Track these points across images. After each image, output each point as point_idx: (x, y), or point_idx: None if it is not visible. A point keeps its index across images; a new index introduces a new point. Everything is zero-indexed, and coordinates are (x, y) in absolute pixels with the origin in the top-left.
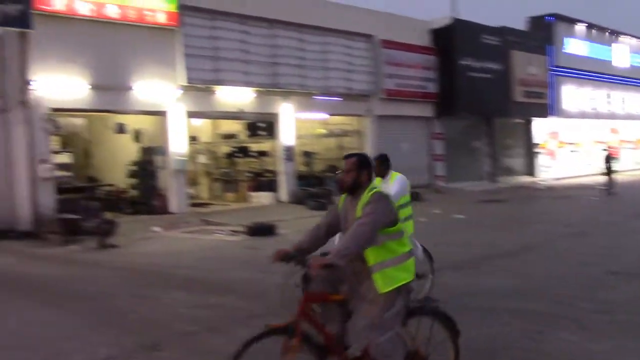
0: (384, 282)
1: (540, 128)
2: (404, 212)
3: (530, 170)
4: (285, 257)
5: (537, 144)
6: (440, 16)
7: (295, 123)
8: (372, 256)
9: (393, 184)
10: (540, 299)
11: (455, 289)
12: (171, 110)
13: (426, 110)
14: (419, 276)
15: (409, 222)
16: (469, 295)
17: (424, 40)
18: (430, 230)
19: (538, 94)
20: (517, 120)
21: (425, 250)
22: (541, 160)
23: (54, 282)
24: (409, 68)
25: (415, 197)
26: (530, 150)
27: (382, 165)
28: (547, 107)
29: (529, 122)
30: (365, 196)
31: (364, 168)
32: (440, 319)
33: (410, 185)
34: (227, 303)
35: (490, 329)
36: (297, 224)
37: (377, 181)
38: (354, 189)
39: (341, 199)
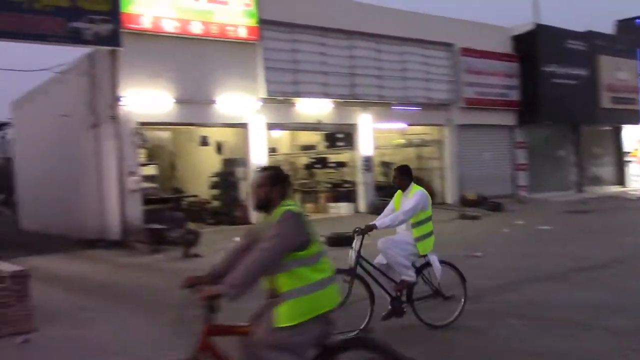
0: (289, 314)
1: (631, 135)
2: (424, 229)
3: (620, 180)
4: (195, 282)
5: (628, 152)
6: (522, 22)
7: (373, 133)
8: (281, 284)
9: (411, 198)
10: (633, 313)
11: (544, 302)
12: (252, 123)
13: (508, 119)
14: (446, 297)
15: (429, 239)
16: (558, 308)
17: (506, 47)
18: (513, 241)
19: (628, 100)
20: (606, 128)
21: (455, 268)
22: (632, 169)
23: (141, 290)
24: (490, 76)
25: (497, 207)
26: (620, 159)
27: (402, 177)
28: (639, 114)
29: (618, 130)
30: (275, 214)
31: (278, 183)
32: (380, 353)
33: (431, 200)
34: None
35: (582, 345)
36: (376, 235)
37: (397, 194)
38: (266, 206)
39: (261, 218)
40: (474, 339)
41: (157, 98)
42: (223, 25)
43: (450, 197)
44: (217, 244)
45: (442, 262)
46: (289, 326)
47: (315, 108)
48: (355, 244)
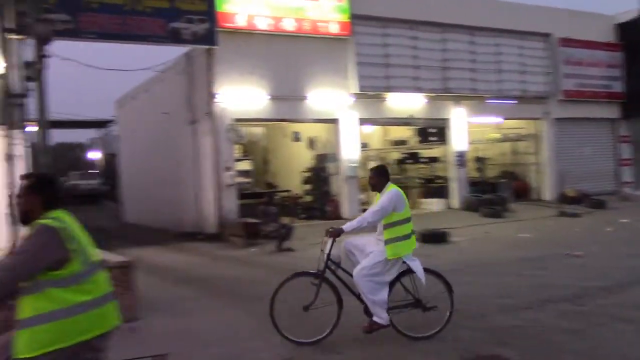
0: (32, 343)
1: None
2: (397, 231)
3: None
4: None
5: None
6: (627, 9)
7: (467, 128)
8: (26, 307)
9: (382, 198)
10: None
11: None
12: (343, 118)
13: (611, 112)
14: (427, 308)
15: (404, 243)
16: None
17: (608, 36)
18: (617, 241)
19: None
20: None
21: (440, 277)
22: None
23: (236, 282)
24: (591, 67)
25: (599, 205)
26: None
27: (379, 178)
28: None
29: None
30: (31, 228)
31: (37, 193)
32: None
33: (407, 200)
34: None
35: None
36: (469, 232)
37: (377, 196)
38: (28, 220)
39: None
40: (579, 342)
41: (251, 95)
42: (315, 22)
43: (549, 193)
44: (309, 239)
45: (424, 270)
46: (31, 357)
47: (407, 103)
48: (326, 246)
